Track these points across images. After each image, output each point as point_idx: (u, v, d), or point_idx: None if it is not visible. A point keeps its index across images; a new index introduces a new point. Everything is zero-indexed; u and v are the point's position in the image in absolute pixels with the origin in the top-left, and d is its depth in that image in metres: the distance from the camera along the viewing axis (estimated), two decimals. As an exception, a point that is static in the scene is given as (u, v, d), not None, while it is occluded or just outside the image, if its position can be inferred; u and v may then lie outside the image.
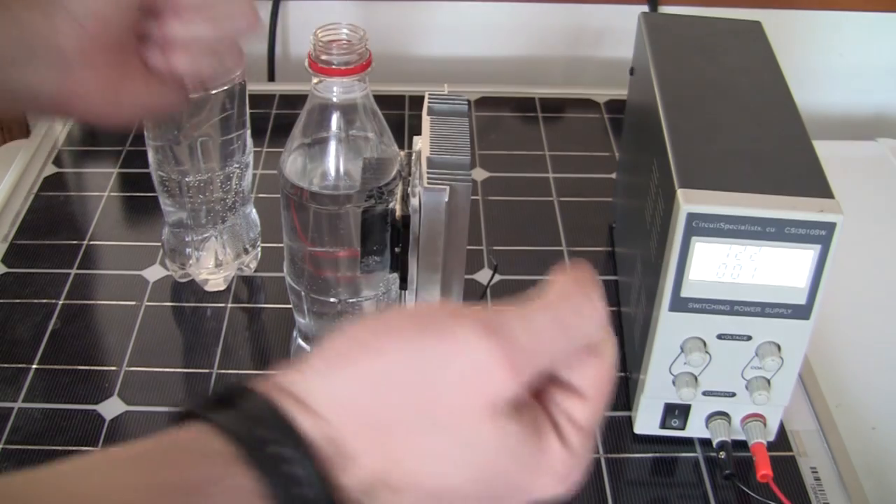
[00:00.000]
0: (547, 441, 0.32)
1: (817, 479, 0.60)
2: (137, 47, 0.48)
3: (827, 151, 0.57)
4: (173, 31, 0.48)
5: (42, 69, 0.45)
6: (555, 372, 0.33)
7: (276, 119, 0.93)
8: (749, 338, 0.56)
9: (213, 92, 0.64)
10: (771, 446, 0.59)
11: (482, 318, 0.30)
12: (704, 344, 0.56)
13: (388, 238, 0.53)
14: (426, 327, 0.30)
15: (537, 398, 0.33)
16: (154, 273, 0.74)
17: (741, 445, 0.59)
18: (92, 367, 0.66)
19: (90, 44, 0.45)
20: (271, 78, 1.05)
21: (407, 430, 0.30)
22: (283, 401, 0.30)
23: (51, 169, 0.86)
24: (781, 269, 0.53)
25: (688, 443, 0.62)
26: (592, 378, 0.33)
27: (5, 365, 0.66)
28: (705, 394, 0.59)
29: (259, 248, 0.75)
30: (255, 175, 0.83)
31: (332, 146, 0.54)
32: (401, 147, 0.57)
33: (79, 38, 0.45)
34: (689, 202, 0.52)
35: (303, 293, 0.58)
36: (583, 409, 0.33)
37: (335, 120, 0.53)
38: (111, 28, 0.46)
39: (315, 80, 0.53)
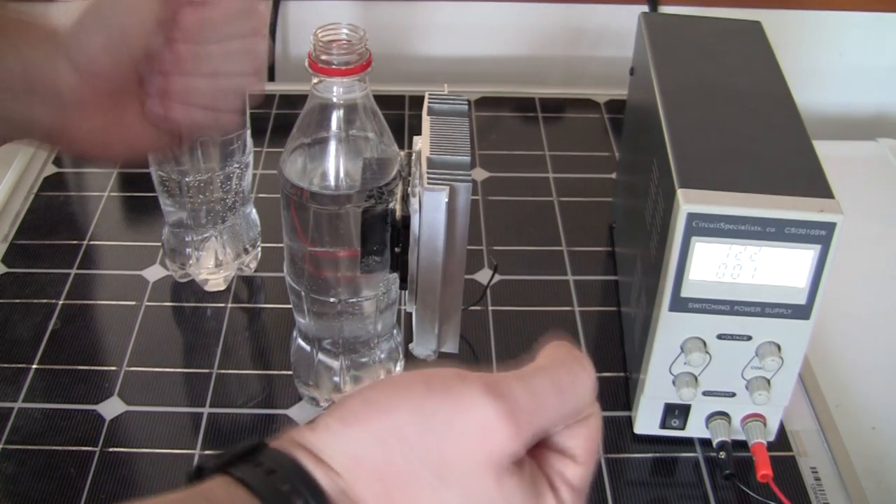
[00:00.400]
0: (544, 498, 0.33)
1: (817, 479, 0.60)
2: (136, 92, 0.49)
3: (827, 151, 0.57)
4: (172, 83, 0.48)
5: (39, 105, 0.46)
6: (548, 434, 0.34)
7: (276, 119, 0.93)
8: (749, 338, 0.56)
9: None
10: (771, 446, 0.59)
11: (486, 379, 0.33)
12: (704, 344, 0.56)
13: (388, 238, 0.53)
14: (434, 388, 0.32)
15: (532, 458, 0.34)
16: (154, 273, 0.74)
17: (741, 445, 0.59)
18: (92, 367, 0.66)
19: (87, 90, 0.46)
20: (271, 78, 1.05)
21: (415, 485, 0.31)
22: (301, 456, 0.32)
23: (51, 169, 0.86)
24: (781, 269, 0.53)
25: (688, 443, 0.62)
26: (583, 441, 0.35)
27: (5, 365, 0.66)
28: (705, 394, 0.59)
29: (259, 248, 0.75)
30: (255, 175, 0.83)
31: (332, 146, 0.54)
32: (401, 147, 0.57)
33: (77, 84, 0.46)
34: (689, 202, 0.52)
35: (303, 293, 0.58)
36: (575, 470, 0.35)
37: (335, 120, 0.53)
38: (109, 79, 0.47)
39: (315, 80, 0.53)
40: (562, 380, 0.34)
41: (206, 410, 0.63)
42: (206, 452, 0.60)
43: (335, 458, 0.32)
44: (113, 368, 0.66)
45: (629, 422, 0.63)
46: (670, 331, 0.56)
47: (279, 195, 0.56)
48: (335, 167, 0.54)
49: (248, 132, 0.69)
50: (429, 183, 0.50)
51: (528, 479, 0.33)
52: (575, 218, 0.81)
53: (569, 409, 0.34)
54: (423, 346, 0.56)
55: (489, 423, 0.32)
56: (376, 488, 0.31)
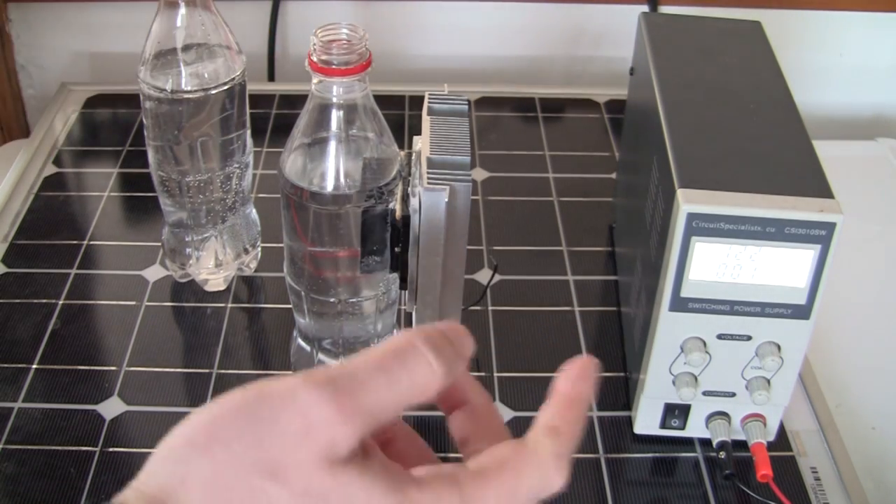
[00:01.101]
0: (407, 491, 0.31)
1: (817, 479, 0.60)
2: None
3: (827, 151, 0.57)
4: None
5: None
6: (389, 419, 0.32)
7: (276, 119, 0.93)
8: (749, 338, 0.56)
9: (214, 92, 0.64)
10: (771, 446, 0.59)
11: (305, 372, 0.31)
12: (704, 344, 0.56)
13: (388, 238, 0.53)
14: (251, 390, 0.31)
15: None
16: (154, 273, 0.74)
17: (741, 445, 0.59)
18: (92, 367, 0.66)
19: None
20: (271, 78, 1.05)
21: (247, 492, 0.30)
22: (125, 497, 0.30)
23: (51, 169, 0.86)
24: (781, 269, 0.53)
25: (688, 443, 0.62)
26: (494, 461, 0.33)
27: (5, 365, 0.66)
28: (705, 394, 0.59)
29: (259, 248, 0.75)
30: (255, 175, 0.83)
31: (332, 146, 0.54)
32: (401, 147, 0.57)
33: None
34: (689, 202, 0.52)
35: (303, 293, 0.58)
36: (464, 471, 0.32)
37: (335, 120, 0.53)
38: None
39: (315, 80, 0.53)
40: (386, 360, 0.31)
41: (206, 410, 0.63)
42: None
43: (160, 484, 0.30)
44: (113, 368, 0.66)
45: (629, 422, 0.63)
46: (670, 331, 0.56)
47: (279, 195, 0.56)
48: (335, 167, 0.54)
49: (248, 132, 0.69)
50: (429, 183, 0.50)
51: (376, 469, 0.31)
52: (575, 218, 0.81)
53: (403, 388, 0.31)
54: (423, 346, 0.56)
55: (310, 411, 0.30)
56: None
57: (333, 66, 0.52)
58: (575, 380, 0.35)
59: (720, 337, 0.56)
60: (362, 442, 0.31)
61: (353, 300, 0.58)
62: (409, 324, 0.62)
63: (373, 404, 0.31)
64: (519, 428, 0.64)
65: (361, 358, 0.32)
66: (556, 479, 0.32)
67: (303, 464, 0.30)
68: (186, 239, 0.70)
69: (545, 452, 0.33)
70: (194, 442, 0.31)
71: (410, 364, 0.32)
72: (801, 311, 0.55)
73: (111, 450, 0.60)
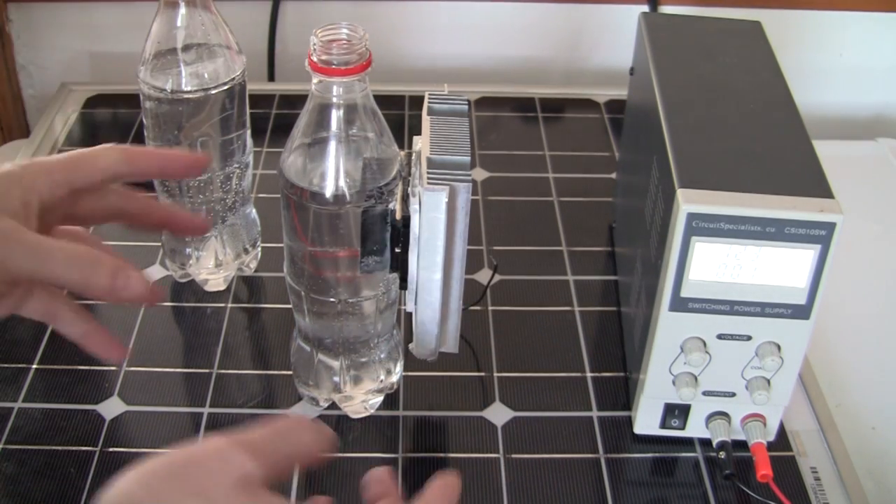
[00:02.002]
0: None
1: (817, 479, 0.60)
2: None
3: (827, 151, 0.57)
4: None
5: None
6: (286, 463, 0.43)
7: (276, 119, 0.93)
8: (749, 338, 0.56)
9: (214, 92, 0.64)
10: (771, 446, 0.59)
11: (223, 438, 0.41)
12: (704, 344, 0.56)
13: (388, 238, 0.53)
14: (181, 452, 0.40)
15: None
16: (154, 273, 0.74)
17: (741, 445, 0.59)
18: (92, 367, 0.66)
19: None
20: (271, 78, 1.05)
21: None
22: None
23: (51, 169, 0.85)
24: (781, 269, 0.53)
25: (688, 443, 0.62)
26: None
27: (5, 365, 0.66)
28: (705, 394, 0.59)
29: (259, 248, 0.75)
30: (255, 175, 0.83)
31: (332, 146, 0.54)
32: (401, 147, 0.57)
33: None
34: (689, 202, 0.52)
35: (303, 293, 0.58)
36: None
37: (335, 120, 0.53)
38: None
39: (315, 80, 0.53)
40: (279, 427, 0.42)
41: (206, 410, 0.63)
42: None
43: None
44: (113, 368, 0.66)
45: (629, 422, 0.63)
46: (670, 331, 0.56)
47: (279, 195, 0.56)
48: (335, 167, 0.54)
49: (248, 132, 0.69)
50: (429, 183, 0.50)
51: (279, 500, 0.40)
52: (575, 218, 0.81)
53: (291, 442, 0.43)
54: (423, 346, 0.56)
55: (225, 452, 0.40)
56: None
57: (333, 66, 0.52)
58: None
59: (720, 337, 0.56)
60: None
61: (353, 300, 0.58)
62: (409, 324, 0.62)
63: (272, 453, 0.41)
64: (519, 427, 0.64)
65: (259, 427, 0.43)
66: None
67: (224, 486, 0.39)
68: (186, 239, 0.70)
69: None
70: (140, 482, 0.40)
71: (295, 429, 0.43)
72: (801, 311, 0.55)
73: (111, 450, 0.60)
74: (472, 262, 0.75)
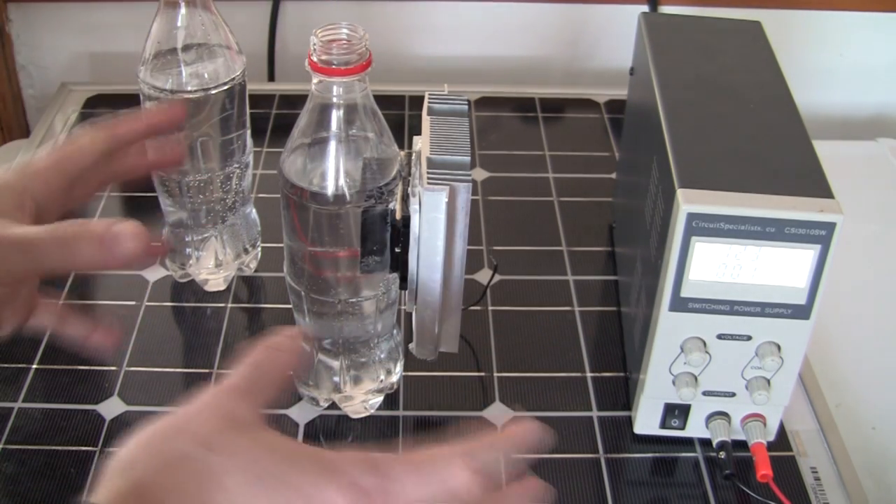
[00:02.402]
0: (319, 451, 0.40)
1: (817, 479, 0.60)
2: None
3: (827, 151, 0.57)
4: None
5: None
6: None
7: (276, 119, 0.93)
8: (749, 338, 0.56)
9: (214, 92, 0.64)
10: (771, 446, 0.59)
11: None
12: (704, 344, 0.56)
13: (388, 238, 0.53)
14: (176, 411, 0.41)
15: None
16: (154, 273, 0.74)
17: (741, 445, 0.59)
18: (92, 367, 0.66)
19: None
20: (271, 78, 1.05)
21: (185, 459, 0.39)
22: None
23: (51, 169, 0.85)
24: (781, 269, 0.53)
25: (688, 443, 0.62)
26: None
27: (5, 365, 0.66)
28: (705, 394, 0.59)
29: (259, 248, 0.75)
30: (255, 175, 0.83)
31: (332, 146, 0.54)
32: (401, 147, 0.57)
33: None
34: (689, 202, 0.52)
35: (303, 293, 0.58)
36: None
37: (335, 120, 0.53)
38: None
39: (315, 80, 0.53)
40: (256, 360, 0.46)
41: (206, 410, 0.63)
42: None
43: (124, 484, 0.37)
44: (113, 368, 0.66)
45: (629, 422, 0.63)
46: (670, 331, 0.56)
47: (279, 195, 0.56)
48: (335, 167, 0.54)
49: (248, 132, 0.69)
50: (429, 183, 0.50)
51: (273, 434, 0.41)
52: (575, 218, 0.81)
53: (272, 370, 0.45)
54: (423, 346, 0.56)
55: (216, 401, 0.42)
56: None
57: (333, 66, 0.52)
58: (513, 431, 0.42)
59: (720, 337, 0.56)
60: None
61: (353, 300, 0.58)
62: (409, 324, 0.62)
63: (259, 389, 0.44)
64: (519, 428, 0.63)
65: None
66: (458, 474, 0.39)
67: (222, 432, 0.39)
68: (186, 239, 0.70)
69: (453, 451, 0.40)
70: (142, 446, 0.39)
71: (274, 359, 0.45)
72: (801, 311, 0.55)
73: (111, 450, 0.60)
74: (472, 262, 0.75)
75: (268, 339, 0.46)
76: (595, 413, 0.64)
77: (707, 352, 0.57)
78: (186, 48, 0.64)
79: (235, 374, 0.44)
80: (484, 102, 0.97)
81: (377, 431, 0.62)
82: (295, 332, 0.46)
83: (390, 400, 0.64)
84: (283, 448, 0.40)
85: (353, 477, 0.38)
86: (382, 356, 0.62)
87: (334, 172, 0.54)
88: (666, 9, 1.03)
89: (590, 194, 0.84)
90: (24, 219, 0.49)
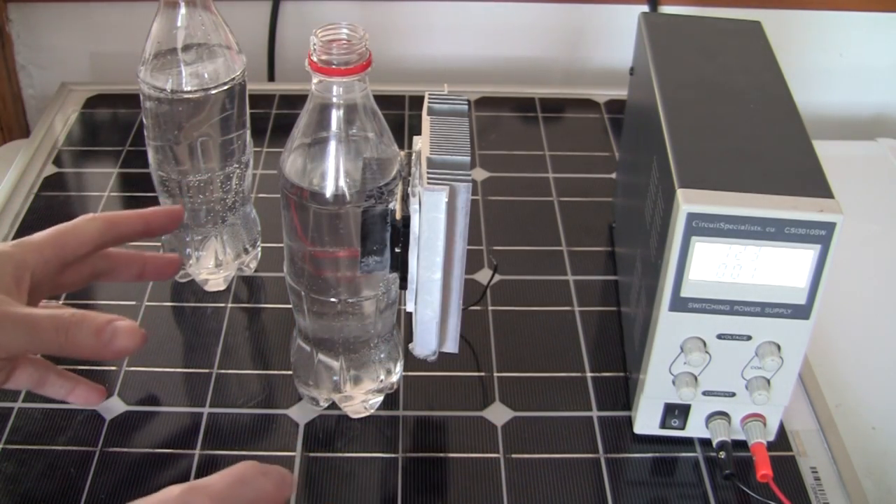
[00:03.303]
0: None
1: (817, 479, 0.60)
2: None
3: (827, 151, 0.57)
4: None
5: None
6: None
7: (276, 119, 0.93)
8: (749, 338, 0.56)
9: (214, 92, 0.64)
10: (771, 446, 0.59)
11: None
12: (704, 344, 0.56)
13: (388, 238, 0.53)
14: None
15: None
16: (154, 273, 0.74)
17: (741, 445, 0.59)
18: (92, 367, 0.66)
19: None
20: (271, 78, 1.05)
21: None
22: None
23: (51, 169, 0.86)
24: (781, 268, 0.53)
25: (688, 443, 0.62)
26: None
27: (5, 365, 0.66)
28: (705, 394, 0.59)
29: (259, 248, 0.75)
30: (255, 175, 0.83)
31: (332, 146, 0.54)
32: (401, 147, 0.57)
33: None
34: (689, 202, 0.52)
35: (303, 293, 0.58)
36: None
37: (335, 120, 0.53)
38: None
39: (315, 80, 0.53)
40: (239, 473, 0.46)
41: (206, 410, 0.63)
42: (206, 452, 0.60)
43: None
44: (113, 368, 0.66)
45: (629, 422, 0.63)
46: (670, 331, 0.56)
47: (279, 195, 0.56)
48: (335, 167, 0.54)
49: (248, 132, 0.69)
50: (429, 183, 0.50)
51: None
52: (575, 218, 0.81)
53: (253, 488, 0.45)
54: (423, 346, 0.56)
55: (187, 500, 0.43)
56: None
57: (333, 66, 0.52)
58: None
59: (720, 337, 0.56)
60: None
61: (353, 300, 0.58)
62: (409, 324, 0.62)
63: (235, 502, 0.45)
64: (518, 428, 0.64)
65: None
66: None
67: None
68: (186, 239, 0.70)
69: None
70: None
71: (259, 479, 0.46)
72: (801, 311, 0.55)
73: (111, 450, 0.60)
74: (472, 262, 0.75)
75: (258, 464, 0.47)
76: (595, 413, 0.64)
77: (707, 352, 0.57)
78: (186, 48, 0.64)
79: (215, 480, 0.44)
80: (484, 102, 0.97)
81: (377, 431, 0.62)
82: (287, 475, 0.48)
83: (390, 400, 0.64)
84: None
85: None
86: (382, 356, 0.62)
87: (334, 172, 0.54)
88: (666, 9, 1.03)
89: (590, 194, 0.84)
90: (21, 293, 0.51)
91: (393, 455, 0.61)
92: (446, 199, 0.50)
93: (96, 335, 0.50)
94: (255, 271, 0.75)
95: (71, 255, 0.55)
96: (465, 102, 0.56)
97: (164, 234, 0.62)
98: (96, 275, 0.59)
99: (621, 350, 0.69)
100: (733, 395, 0.59)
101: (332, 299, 0.57)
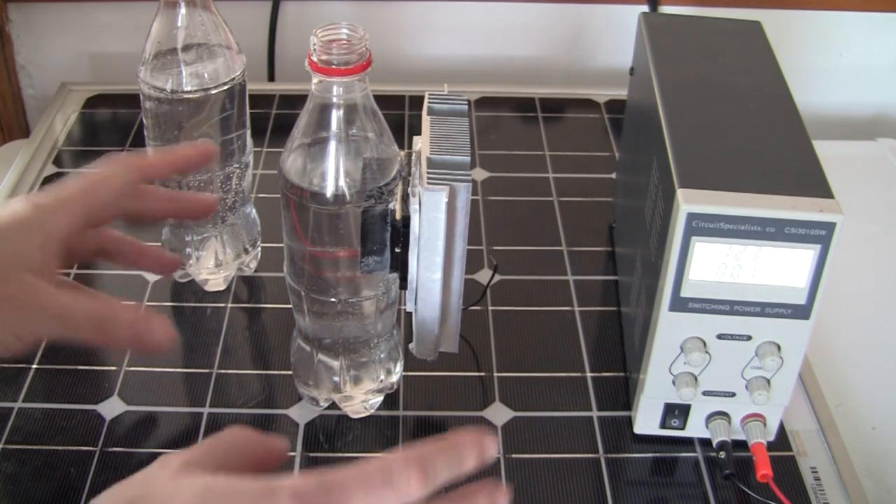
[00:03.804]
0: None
1: (817, 479, 0.60)
2: None
3: (827, 151, 0.57)
4: None
5: None
6: None
7: (276, 119, 0.93)
8: (749, 338, 0.56)
9: (214, 92, 0.64)
10: (771, 446, 0.59)
11: None
12: (704, 344, 0.56)
13: (388, 238, 0.53)
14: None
15: None
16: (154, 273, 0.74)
17: (741, 445, 0.59)
18: (92, 367, 0.66)
19: None
20: (271, 78, 1.05)
21: None
22: None
23: (51, 169, 0.86)
24: (781, 268, 0.53)
25: (688, 443, 0.62)
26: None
27: (5, 365, 0.66)
28: (705, 394, 0.59)
29: (259, 248, 0.75)
30: (255, 175, 0.83)
31: (332, 146, 0.54)
32: (401, 147, 0.57)
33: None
34: (689, 202, 0.52)
35: (303, 293, 0.58)
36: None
37: (335, 120, 0.53)
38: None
39: (315, 80, 0.53)
40: (222, 438, 0.43)
41: (206, 410, 0.63)
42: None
43: None
44: (113, 368, 0.66)
45: (629, 422, 0.63)
46: (670, 331, 0.56)
47: (279, 195, 0.56)
48: (335, 167, 0.54)
49: (248, 132, 0.69)
50: (429, 183, 0.50)
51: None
52: (575, 218, 0.81)
53: (238, 450, 0.42)
54: (423, 346, 0.56)
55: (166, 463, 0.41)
56: None
57: (333, 66, 0.52)
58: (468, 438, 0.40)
59: (720, 337, 0.56)
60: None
61: (353, 300, 0.58)
62: (409, 324, 0.62)
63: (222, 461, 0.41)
64: (518, 428, 0.64)
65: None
66: (410, 483, 0.38)
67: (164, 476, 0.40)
68: (186, 239, 0.70)
69: (406, 458, 0.38)
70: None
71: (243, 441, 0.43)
72: (801, 311, 0.55)
73: (111, 450, 0.60)
74: (472, 262, 0.75)
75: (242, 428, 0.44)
76: (595, 413, 0.64)
77: (707, 352, 0.57)
78: (186, 48, 0.64)
79: (199, 447, 0.42)
80: (484, 102, 0.97)
81: (377, 431, 0.62)
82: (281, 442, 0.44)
83: (390, 400, 0.64)
84: (226, 483, 0.39)
85: (298, 496, 0.37)
86: (382, 356, 0.62)
87: (334, 172, 0.54)
88: (666, 9, 1.03)
89: (590, 194, 0.84)
90: (51, 267, 0.48)
91: (393, 455, 0.61)
92: (446, 199, 0.50)
93: (130, 328, 0.49)
94: (255, 271, 0.75)
95: (99, 212, 0.51)
96: (465, 102, 0.56)
97: (196, 171, 0.60)
98: (101, 250, 0.56)
99: (621, 350, 0.69)
100: (733, 395, 0.59)
101: (332, 299, 0.57)
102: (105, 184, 0.51)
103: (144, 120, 0.66)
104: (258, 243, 0.75)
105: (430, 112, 0.56)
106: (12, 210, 0.49)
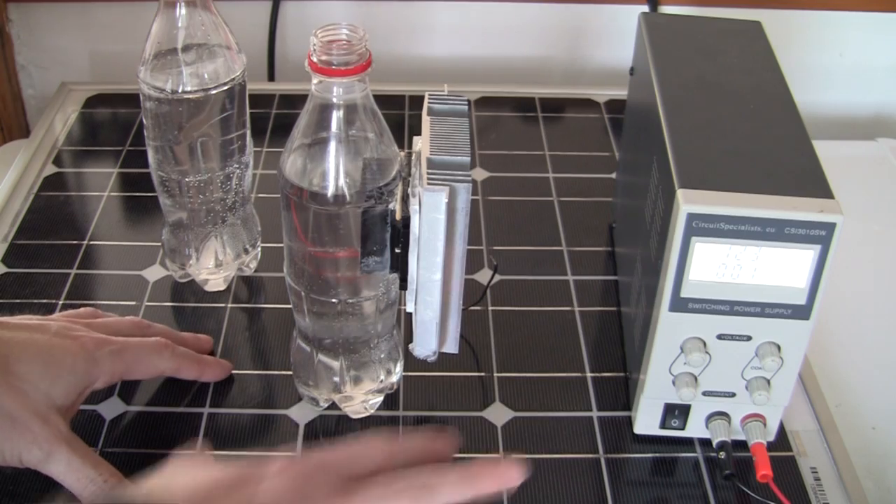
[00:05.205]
0: None
1: (817, 479, 0.60)
2: None
3: (827, 151, 0.57)
4: None
5: None
6: None
7: (276, 119, 0.93)
8: (749, 338, 0.56)
9: (214, 92, 0.64)
10: (771, 446, 0.59)
11: None
12: (704, 344, 0.56)
13: (388, 238, 0.53)
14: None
15: None
16: (154, 273, 0.74)
17: (741, 445, 0.59)
18: (92, 367, 0.66)
19: None
20: (271, 78, 1.05)
21: None
22: None
23: (51, 169, 0.86)
24: (781, 269, 0.53)
25: (688, 443, 0.62)
26: None
27: (5, 365, 0.66)
28: (705, 394, 0.59)
29: (259, 248, 0.75)
30: (255, 175, 0.83)
31: (332, 146, 0.54)
32: (401, 147, 0.57)
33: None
34: (689, 202, 0.52)
35: (303, 293, 0.58)
36: None
37: (335, 120, 0.53)
38: None
39: (315, 80, 0.53)
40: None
41: (206, 410, 0.63)
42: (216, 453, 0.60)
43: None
44: (113, 368, 0.66)
45: (629, 422, 0.63)
46: (670, 331, 0.56)
47: (279, 195, 0.56)
48: (335, 167, 0.54)
49: (248, 132, 0.69)
50: (429, 183, 0.50)
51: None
52: (575, 218, 0.81)
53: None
54: (423, 346, 0.56)
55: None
56: None
57: (333, 67, 0.52)
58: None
59: (720, 337, 0.56)
60: None
61: (353, 300, 0.58)
62: (409, 324, 0.62)
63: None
64: (518, 428, 0.64)
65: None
66: None
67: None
68: (186, 239, 0.70)
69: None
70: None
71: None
72: (801, 312, 0.55)
73: (111, 450, 0.60)
74: (472, 262, 0.75)
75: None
76: (595, 413, 0.64)
77: (707, 352, 0.57)
78: (186, 48, 0.64)
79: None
80: (484, 102, 0.97)
81: (377, 432, 0.62)
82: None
83: (390, 400, 0.64)
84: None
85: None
86: (382, 356, 0.62)
87: (334, 172, 0.54)
88: (666, 9, 1.03)
89: (590, 194, 0.84)
90: (76, 406, 0.58)
91: (393, 455, 0.60)
92: (446, 200, 0.50)
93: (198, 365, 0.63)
94: (255, 271, 0.75)
95: (133, 376, 0.61)
96: (465, 102, 0.56)
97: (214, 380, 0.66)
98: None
99: (621, 350, 0.69)
100: (733, 395, 0.59)
101: (332, 299, 0.57)
102: (150, 362, 0.61)
103: (144, 120, 0.66)
104: (258, 243, 0.75)
105: (430, 112, 0.56)
106: (80, 344, 0.57)
